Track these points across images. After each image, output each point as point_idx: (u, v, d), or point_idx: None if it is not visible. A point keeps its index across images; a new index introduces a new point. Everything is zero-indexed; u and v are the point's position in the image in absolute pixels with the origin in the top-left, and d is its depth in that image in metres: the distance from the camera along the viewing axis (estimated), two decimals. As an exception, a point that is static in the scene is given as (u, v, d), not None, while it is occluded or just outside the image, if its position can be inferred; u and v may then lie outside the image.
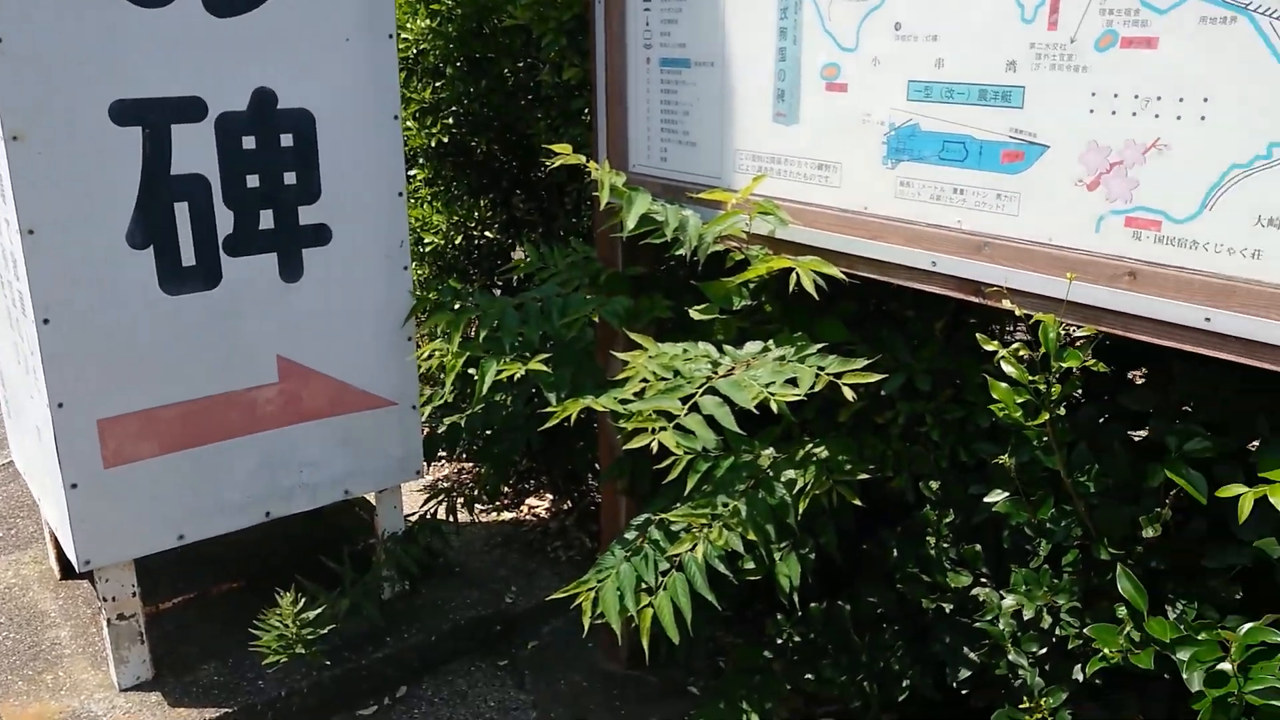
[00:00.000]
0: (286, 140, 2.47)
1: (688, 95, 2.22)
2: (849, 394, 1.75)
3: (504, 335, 2.28)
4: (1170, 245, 1.49)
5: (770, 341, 2.02)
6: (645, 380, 1.90)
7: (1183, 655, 1.55)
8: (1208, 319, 1.45)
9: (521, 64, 3.33)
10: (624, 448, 1.83)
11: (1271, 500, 1.43)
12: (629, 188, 2.06)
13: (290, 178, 2.49)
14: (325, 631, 2.55)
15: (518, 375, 2.18)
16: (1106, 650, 1.64)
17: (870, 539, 2.27)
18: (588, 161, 2.04)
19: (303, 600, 2.52)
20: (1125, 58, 1.49)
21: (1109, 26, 1.50)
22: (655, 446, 1.74)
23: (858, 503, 2.02)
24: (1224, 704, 1.53)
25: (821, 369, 1.82)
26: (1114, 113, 1.52)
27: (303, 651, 2.50)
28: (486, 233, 3.73)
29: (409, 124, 3.56)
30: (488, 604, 2.99)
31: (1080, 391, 2.04)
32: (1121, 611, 1.69)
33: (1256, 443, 1.66)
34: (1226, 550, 1.67)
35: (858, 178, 1.91)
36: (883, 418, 2.17)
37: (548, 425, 2.08)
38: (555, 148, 2.02)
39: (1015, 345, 1.65)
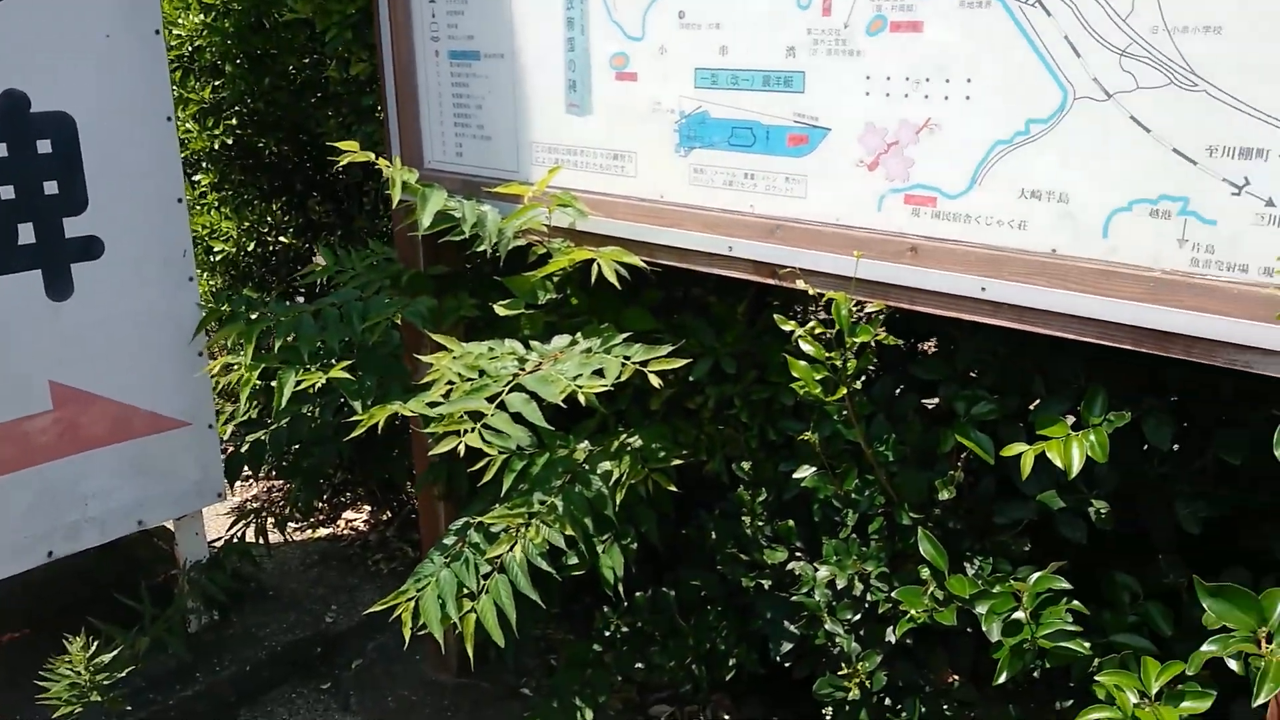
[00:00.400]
0: (44, 146, 2.27)
1: (480, 88, 2.17)
2: (655, 381, 1.75)
3: (302, 344, 2.17)
4: (946, 220, 1.56)
5: (579, 334, 2.01)
6: (452, 382, 1.84)
7: (981, 609, 1.64)
8: (983, 289, 1.52)
9: (307, 60, 3.19)
10: (430, 453, 1.78)
11: (1049, 455, 1.52)
12: (423, 184, 1.99)
13: (51, 187, 2.29)
14: (124, 674, 2.37)
15: (318, 385, 2.08)
16: (913, 611, 1.71)
17: (690, 523, 2.30)
18: (378, 159, 1.96)
19: (96, 643, 2.33)
20: (895, 41, 1.55)
21: (878, 11, 1.56)
22: (463, 450, 1.69)
23: (674, 489, 2.04)
24: (1020, 650, 1.62)
25: (627, 358, 1.81)
26: (888, 95, 1.58)
27: (99, 698, 2.31)
28: (281, 238, 3.56)
29: (188, 126, 3.35)
30: (306, 626, 2.85)
31: (877, 365, 2.13)
32: (925, 572, 1.77)
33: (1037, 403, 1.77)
34: (1014, 505, 1.77)
35: (653, 166, 1.92)
36: (694, 403, 2.20)
37: (354, 435, 2.00)
38: (342, 145, 1.93)
39: (811, 324, 1.70)
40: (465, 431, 1.73)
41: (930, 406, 1.99)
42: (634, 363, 1.80)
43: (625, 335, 1.91)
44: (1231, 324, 1.31)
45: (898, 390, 1.98)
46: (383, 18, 2.27)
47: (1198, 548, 1.71)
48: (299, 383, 2.11)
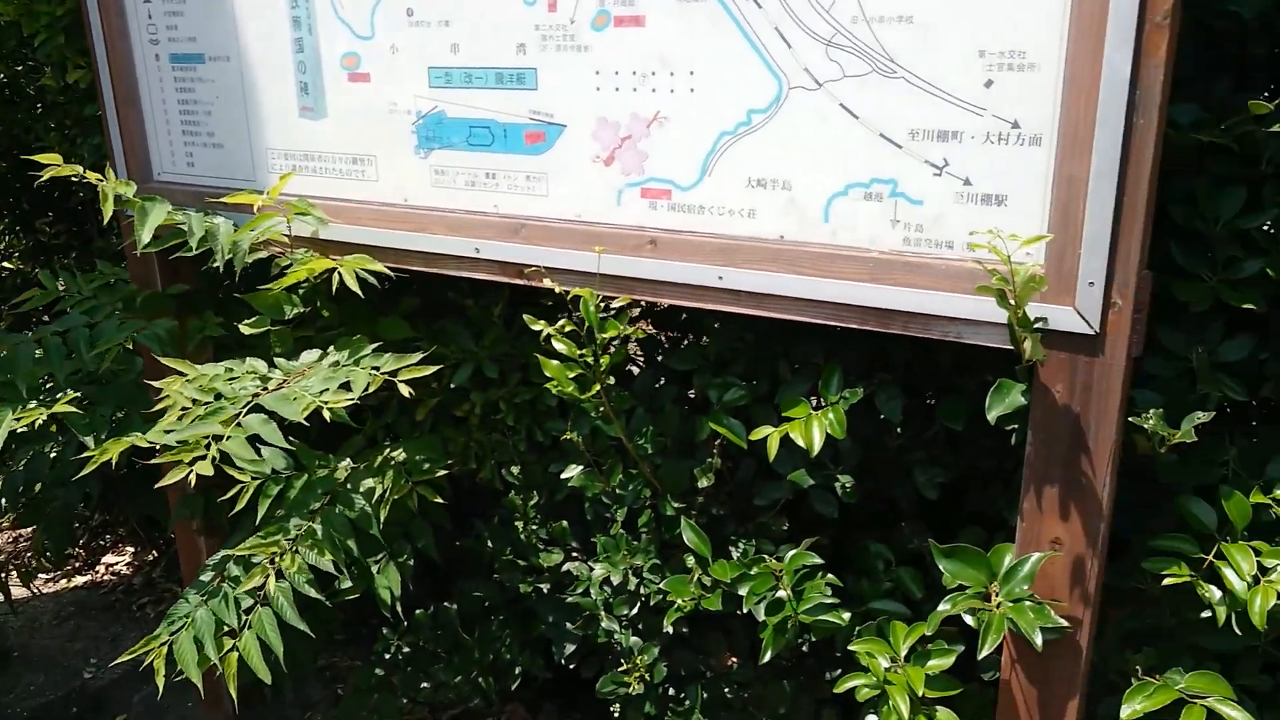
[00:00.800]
0: None
1: (206, 93, 2.04)
2: (405, 390, 1.69)
3: (19, 378, 1.97)
4: (681, 212, 1.58)
5: (331, 348, 1.92)
6: (186, 407, 1.72)
7: (743, 590, 1.67)
8: (720, 277, 1.55)
9: (20, 67, 2.91)
10: (157, 485, 1.65)
11: (792, 436, 1.56)
12: (143, 197, 1.85)
13: None
14: None
15: (38, 422, 1.90)
16: (680, 600, 1.72)
17: (467, 534, 2.25)
18: (85, 171, 1.80)
19: None
20: (620, 36, 1.55)
21: (602, 6, 1.55)
22: (194, 479, 1.58)
23: (440, 500, 1.98)
24: (783, 627, 1.66)
25: (377, 369, 1.74)
26: (617, 89, 1.58)
27: None
28: (6, 263, 3.25)
29: (-115, 144, 3.00)
30: (59, 685, 2.62)
31: (643, 358, 2.15)
32: (690, 561, 1.79)
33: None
34: (771, 487, 1.81)
35: (394, 169, 1.85)
36: (461, 410, 2.15)
37: (85, 472, 1.83)
38: (42, 158, 1.77)
39: (562, 322, 1.68)
40: (205, 458, 1.61)
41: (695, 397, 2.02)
42: (383, 373, 1.73)
43: (375, 345, 1.84)
44: (942, 298, 1.38)
45: (659, 383, 2.00)
46: (93, 19, 2.10)
47: (938, 512, 1.81)
48: (18, 420, 1.92)
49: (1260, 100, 1.34)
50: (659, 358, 2.07)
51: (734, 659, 2.04)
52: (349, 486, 1.97)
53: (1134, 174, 1.23)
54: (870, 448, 1.75)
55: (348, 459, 2.06)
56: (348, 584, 2.07)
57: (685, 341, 2.11)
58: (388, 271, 1.83)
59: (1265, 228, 1.41)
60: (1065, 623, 1.36)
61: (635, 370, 2.12)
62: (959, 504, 1.81)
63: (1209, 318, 1.48)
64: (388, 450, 2.05)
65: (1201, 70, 1.47)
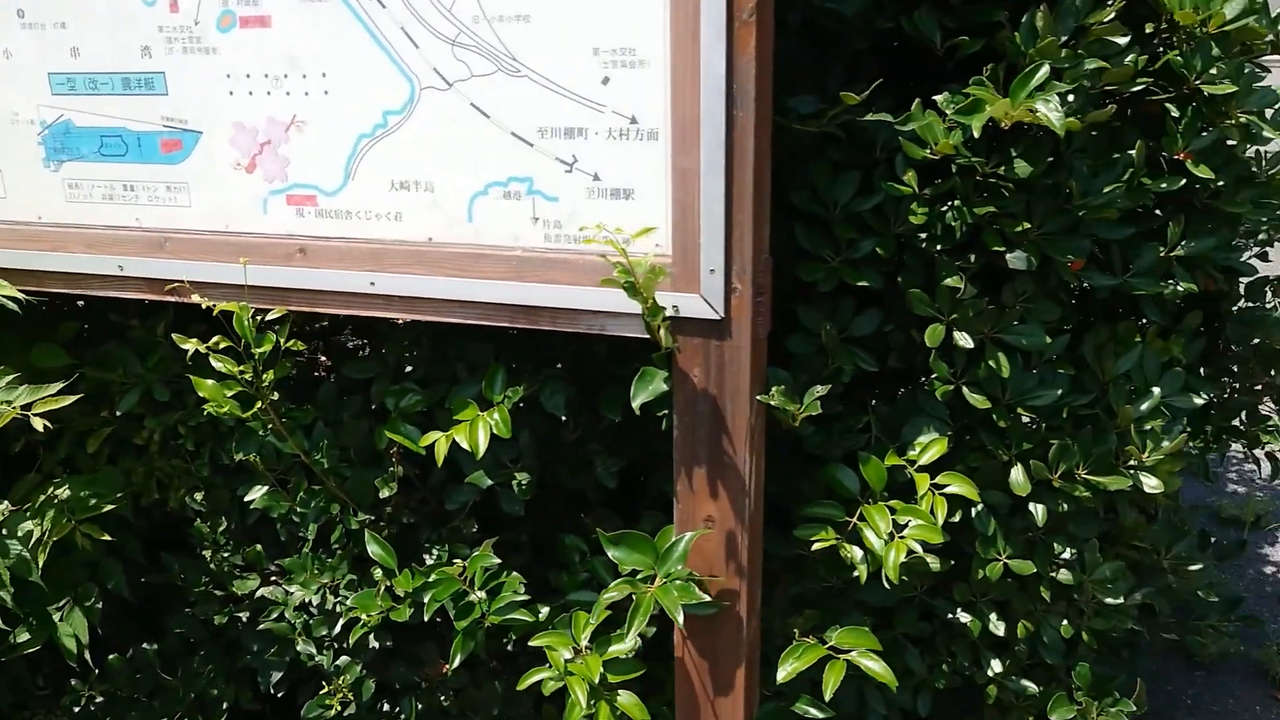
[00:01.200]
0: None
1: None
2: (38, 424, 1.56)
3: None
4: (329, 218, 1.53)
5: (-27, 382, 1.75)
6: None
7: (426, 598, 1.64)
8: (372, 283, 1.52)
9: None
10: None
11: (458, 439, 1.55)
12: None
13: None
14: None
15: None
16: (364, 616, 1.68)
17: (158, 569, 2.11)
18: None
19: None
20: (247, 37, 1.49)
21: (226, 6, 1.48)
22: None
23: (106, 538, 1.85)
24: (472, 630, 1.65)
25: (9, 402, 1.60)
26: (251, 93, 1.52)
27: None
28: None
29: None
30: None
31: (330, 370, 2.08)
32: (379, 573, 1.75)
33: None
34: (460, 490, 1.79)
35: (22, 184, 1.70)
36: (141, 438, 2.01)
37: None
38: None
39: (216, 338, 1.59)
40: None
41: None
42: (15, 407, 1.59)
43: (13, 376, 1.69)
44: (582, 292, 1.41)
45: (345, 395, 1.94)
46: None
47: (627, 499, 1.85)
48: None
49: (853, 92, 1.43)
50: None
51: (448, 666, 2.02)
52: (4, 532, 1.80)
53: (739, 165, 1.29)
54: (549, 443, 1.76)
55: (6, 502, 1.89)
56: (25, 636, 1.91)
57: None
58: (20, 295, 1.68)
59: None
60: (709, 598, 1.41)
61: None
62: (645, 490, 1.86)
63: (840, 296, 1.58)
64: (51, 489, 1.89)
65: (817, 64, 1.57)
